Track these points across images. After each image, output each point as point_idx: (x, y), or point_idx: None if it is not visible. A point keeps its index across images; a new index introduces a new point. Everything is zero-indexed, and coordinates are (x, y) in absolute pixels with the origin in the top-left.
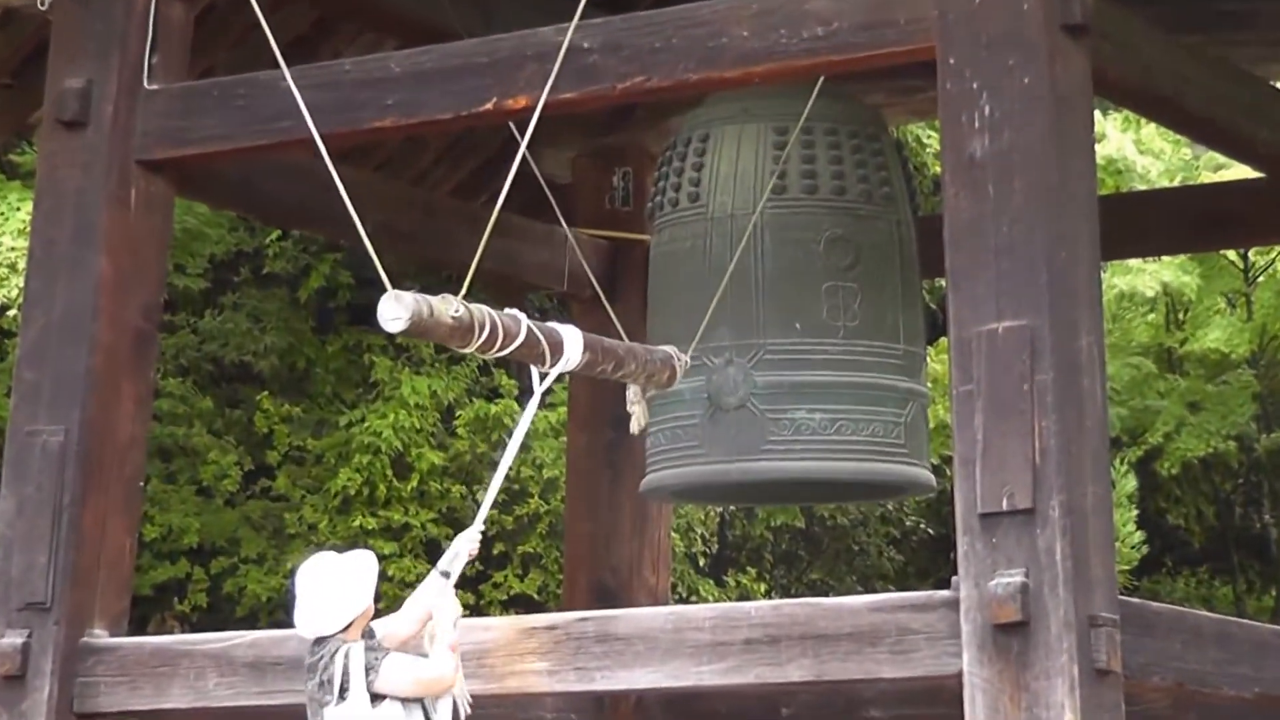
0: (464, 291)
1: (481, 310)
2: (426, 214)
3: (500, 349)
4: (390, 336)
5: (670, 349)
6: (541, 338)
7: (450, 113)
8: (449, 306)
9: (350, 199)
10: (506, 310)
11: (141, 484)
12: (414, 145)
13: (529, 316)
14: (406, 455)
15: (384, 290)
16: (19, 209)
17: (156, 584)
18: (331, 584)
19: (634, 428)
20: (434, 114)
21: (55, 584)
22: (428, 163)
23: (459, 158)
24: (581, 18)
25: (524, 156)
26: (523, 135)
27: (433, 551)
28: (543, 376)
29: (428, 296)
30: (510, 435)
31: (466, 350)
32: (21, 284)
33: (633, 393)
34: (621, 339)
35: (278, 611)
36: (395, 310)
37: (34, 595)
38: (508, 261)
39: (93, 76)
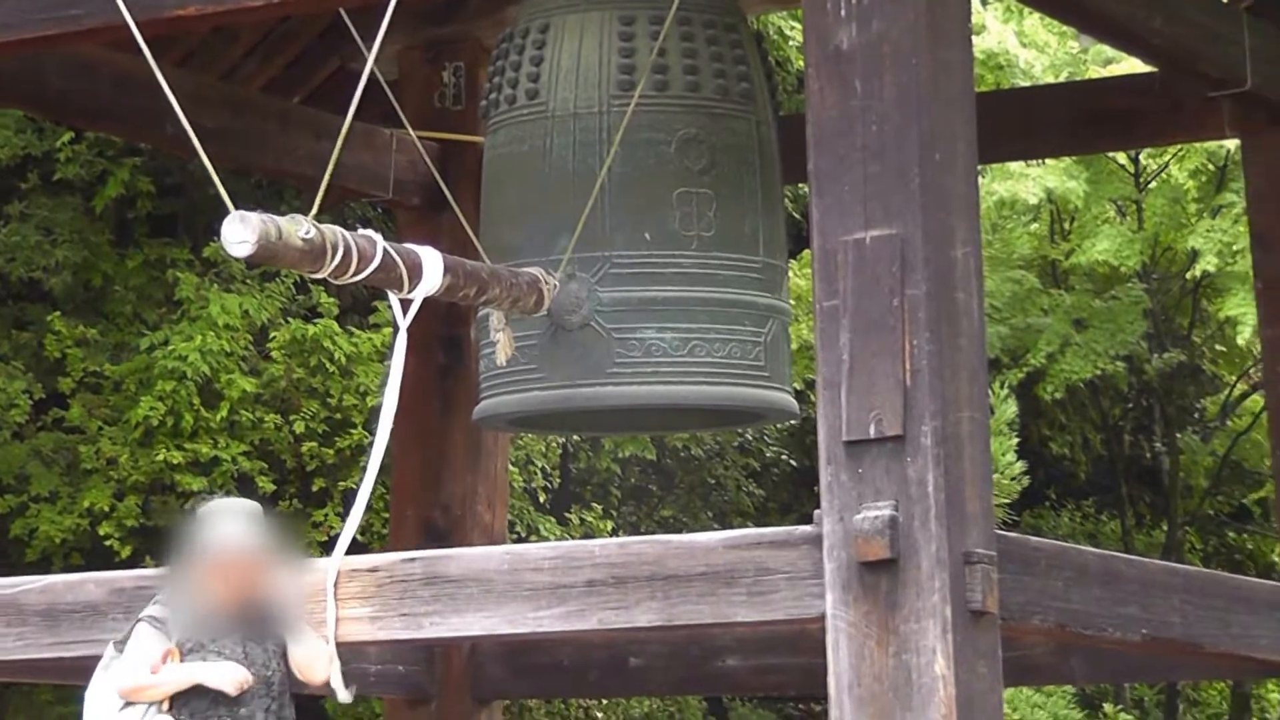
0: (314, 211)
1: (335, 231)
2: (235, 112)
3: (355, 273)
4: (196, 250)
5: (537, 270)
6: (399, 260)
7: (259, 3)
8: (299, 228)
9: (146, 97)
10: (361, 231)
11: None
12: (222, 37)
13: (349, 228)
14: (215, 382)
15: (190, 199)
16: None
17: None
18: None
19: (500, 358)
20: (243, 1)
21: None
22: (237, 57)
23: (271, 51)
24: None
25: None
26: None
27: (245, 488)
28: (404, 305)
29: (275, 217)
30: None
31: (318, 275)
32: None
33: (495, 319)
34: (468, 255)
35: (73, 555)
36: (241, 233)
37: None
38: (325, 166)
39: None
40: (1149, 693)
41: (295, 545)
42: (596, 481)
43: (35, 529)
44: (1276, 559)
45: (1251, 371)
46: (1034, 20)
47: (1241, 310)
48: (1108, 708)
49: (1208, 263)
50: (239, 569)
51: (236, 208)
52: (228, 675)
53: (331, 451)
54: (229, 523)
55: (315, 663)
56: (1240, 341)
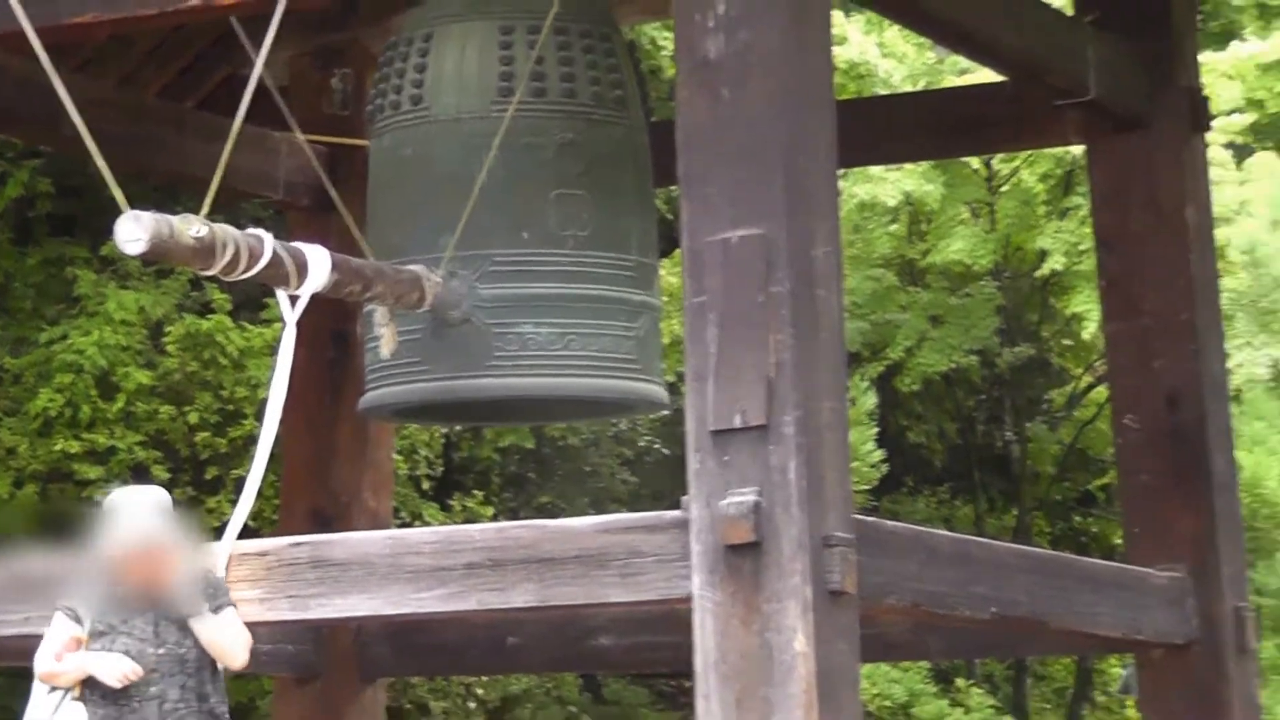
0: (205, 210)
1: (225, 230)
2: (132, 117)
3: (244, 271)
4: (94, 248)
5: (420, 268)
6: (287, 258)
7: (155, 8)
8: (190, 226)
9: (45, 101)
10: (251, 230)
11: None
12: (120, 44)
13: (241, 227)
14: (112, 374)
15: (89, 200)
16: None
17: None
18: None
19: (384, 351)
20: (138, 9)
21: None
22: (134, 63)
23: (166, 57)
24: None
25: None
26: (249, 39)
27: (140, 477)
28: (292, 300)
29: (168, 216)
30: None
31: (211, 272)
32: None
33: (380, 315)
34: (355, 254)
35: None
36: (134, 231)
37: None
38: (238, 169)
39: None
40: (999, 668)
41: (200, 530)
42: (478, 469)
43: None
44: (1118, 541)
45: (1096, 364)
46: (893, 32)
47: (1087, 307)
48: (960, 682)
49: (1055, 262)
50: (147, 554)
51: (132, 208)
52: (112, 668)
53: (224, 441)
54: (137, 511)
55: (222, 646)
56: (1085, 336)
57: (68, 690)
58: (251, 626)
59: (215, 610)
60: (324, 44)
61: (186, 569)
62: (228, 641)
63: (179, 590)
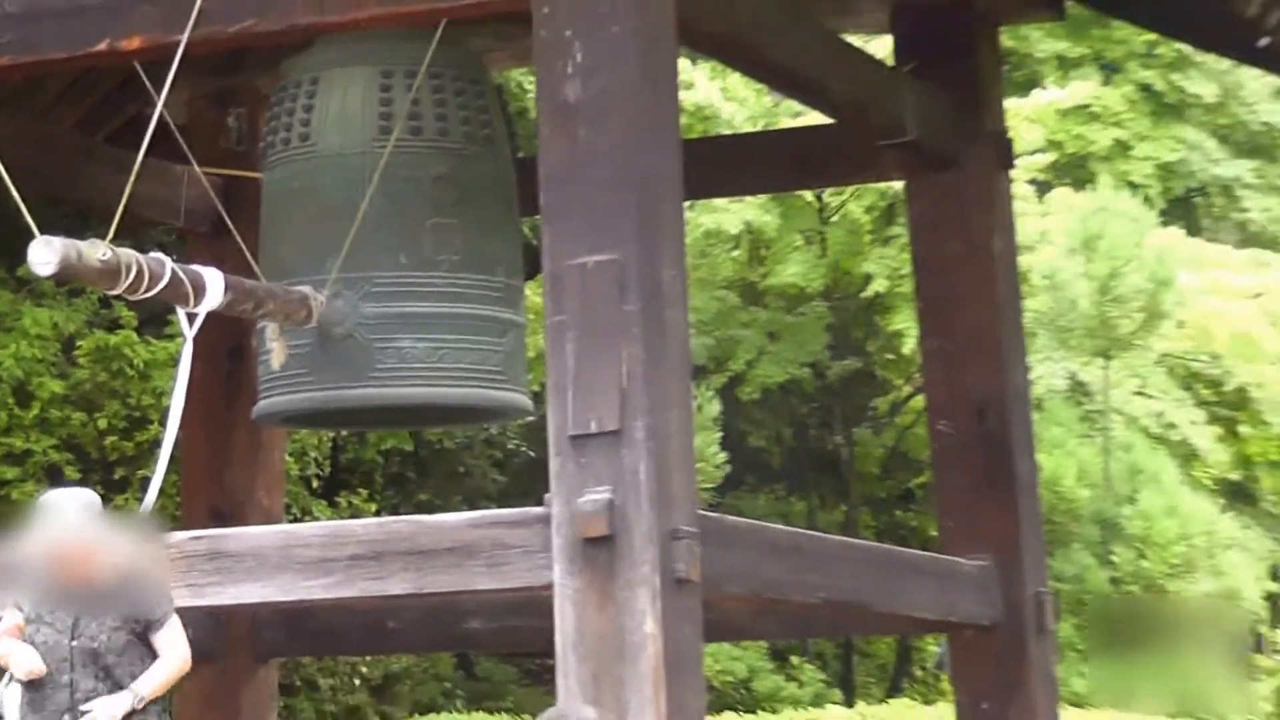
0: (110, 235)
1: (128, 254)
2: (47, 149)
3: (146, 290)
4: (10, 270)
5: (307, 288)
6: (185, 279)
7: (65, 52)
8: (96, 250)
9: None
10: (152, 254)
11: None
12: (34, 84)
13: (145, 251)
14: (28, 384)
15: (4, 226)
16: None
17: None
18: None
19: (275, 364)
20: (49, 53)
21: None
22: (48, 101)
23: (79, 95)
24: None
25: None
26: (152, 82)
27: (54, 477)
28: (190, 317)
29: (76, 241)
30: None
31: (115, 291)
32: None
33: (271, 330)
34: (249, 276)
35: None
36: (45, 255)
37: None
38: (140, 196)
39: None
40: (829, 646)
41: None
42: (362, 470)
43: None
44: (934, 534)
45: (914, 376)
46: (735, 78)
47: (906, 325)
48: (794, 659)
49: (879, 285)
50: (72, 553)
51: (43, 234)
52: (20, 662)
53: (131, 445)
54: (65, 512)
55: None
56: (905, 351)
57: (8, 672)
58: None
59: (165, 617)
60: (220, 86)
61: (141, 573)
62: (183, 647)
63: (134, 593)
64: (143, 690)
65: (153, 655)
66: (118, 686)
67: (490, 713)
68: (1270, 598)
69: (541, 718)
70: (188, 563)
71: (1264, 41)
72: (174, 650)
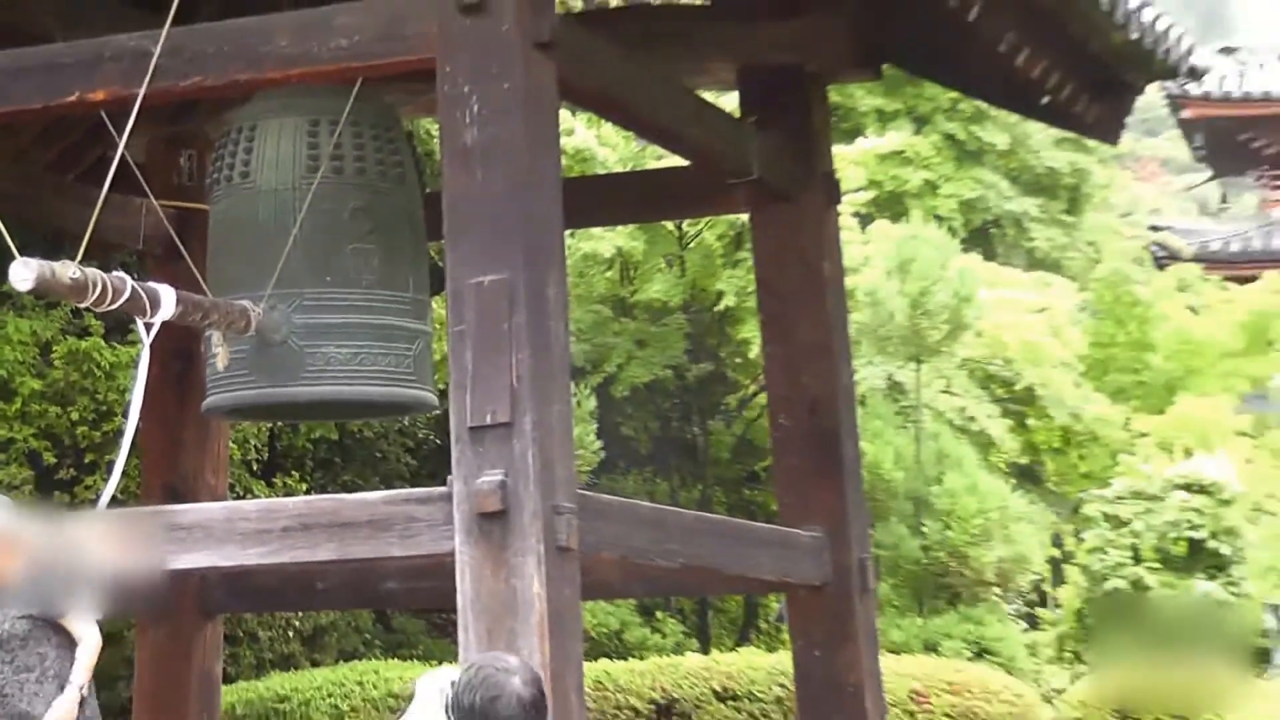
0: (79, 257)
1: (95, 273)
2: (24, 185)
3: (110, 303)
4: (11, 291)
5: (246, 303)
6: (143, 294)
7: (40, 102)
8: (68, 270)
9: None
10: (115, 273)
11: None
12: (12, 129)
13: (109, 270)
14: (11, 383)
15: (4, 254)
16: None
17: None
18: None
19: (220, 365)
20: (26, 103)
21: None
22: (26, 143)
23: (52, 139)
24: (146, 28)
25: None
26: (115, 127)
27: (34, 461)
28: (147, 326)
29: (50, 262)
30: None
31: (84, 305)
32: None
33: (216, 337)
34: (197, 292)
35: None
36: (24, 273)
37: None
38: (104, 224)
39: None
40: (688, 604)
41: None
42: (295, 455)
43: None
44: (775, 509)
45: (759, 377)
46: (608, 128)
47: (751, 334)
48: (659, 614)
49: (729, 300)
50: None
51: (22, 256)
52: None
53: (99, 434)
54: None
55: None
56: (751, 356)
57: None
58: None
59: (73, 607)
60: (173, 131)
61: (48, 565)
62: (94, 632)
63: (41, 586)
64: (79, 680)
65: (57, 639)
66: (23, 669)
67: (403, 660)
68: (1051, 561)
69: (469, 666)
70: (147, 531)
71: (1045, 100)
72: (88, 637)
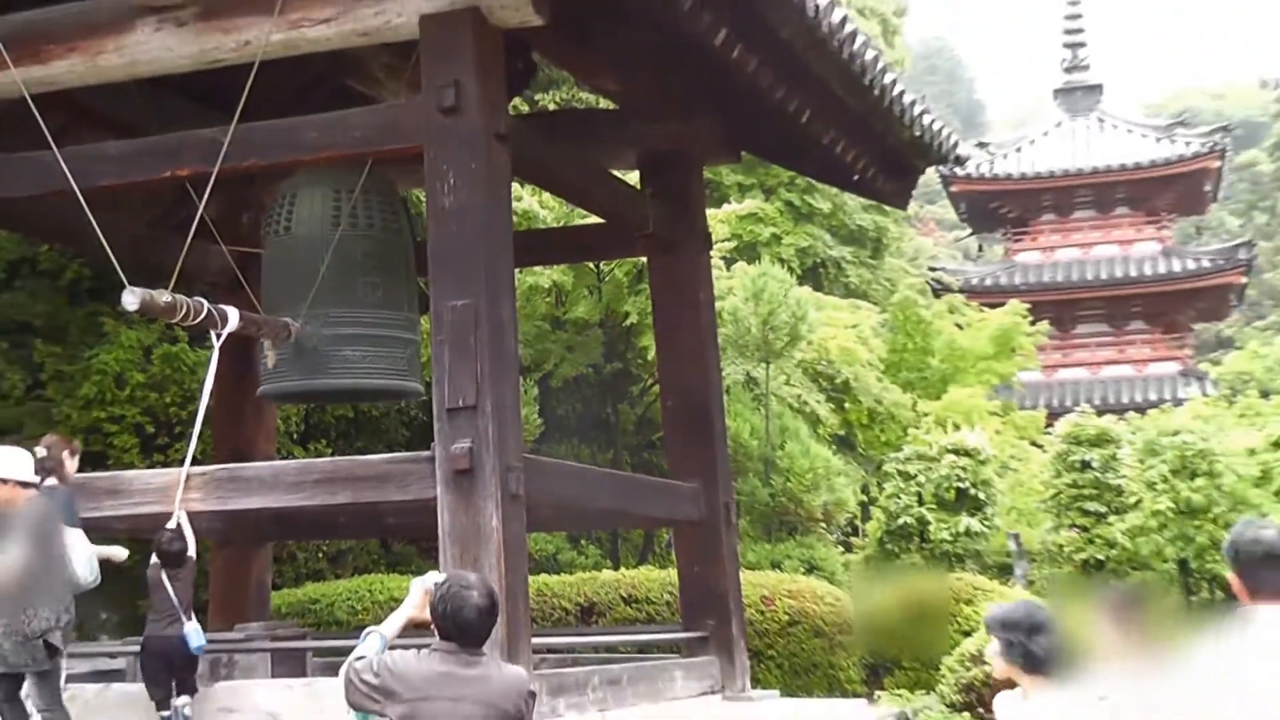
0: (170, 286)
1: (181, 298)
2: (132, 236)
3: (192, 320)
4: (112, 307)
5: (288, 319)
6: (215, 313)
7: (144, 177)
8: (163, 296)
9: (85, 226)
10: (195, 298)
11: None
12: (125, 195)
13: (191, 296)
14: (124, 375)
15: (119, 286)
16: None
17: None
18: None
19: (269, 363)
20: (135, 178)
21: None
22: (134, 205)
23: (152, 203)
24: (217, 124)
25: (201, 214)
26: (196, 194)
27: (139, 431)
28: (217, 336)
29: (150, 290)
30: (199, 381)
31: (174, 321)
32: None
33: (266, 344)
34: (254, 311)
35: None
36: (132, 299)
37: None
38: (188, 264)
39: None
40: (604, 535)
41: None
42: (322, 427)
43: None
44: (666, 468)
45: (654, 373)
46: (547, 196)
47: (648, 343)
48: (583, 542)
49: (633, 318)
50: None
51: (131, 285)
52: None
53: (184, 412)
54: None
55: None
56: (649, 358)
57: None
58: (199, 514)
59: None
60: (239, 196)
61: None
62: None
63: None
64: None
65: None
66: (19, 609)
67: (401, 574)
68: (860, 504)
69: (441, 583)
70: (216, 484)
71: (855, 177)
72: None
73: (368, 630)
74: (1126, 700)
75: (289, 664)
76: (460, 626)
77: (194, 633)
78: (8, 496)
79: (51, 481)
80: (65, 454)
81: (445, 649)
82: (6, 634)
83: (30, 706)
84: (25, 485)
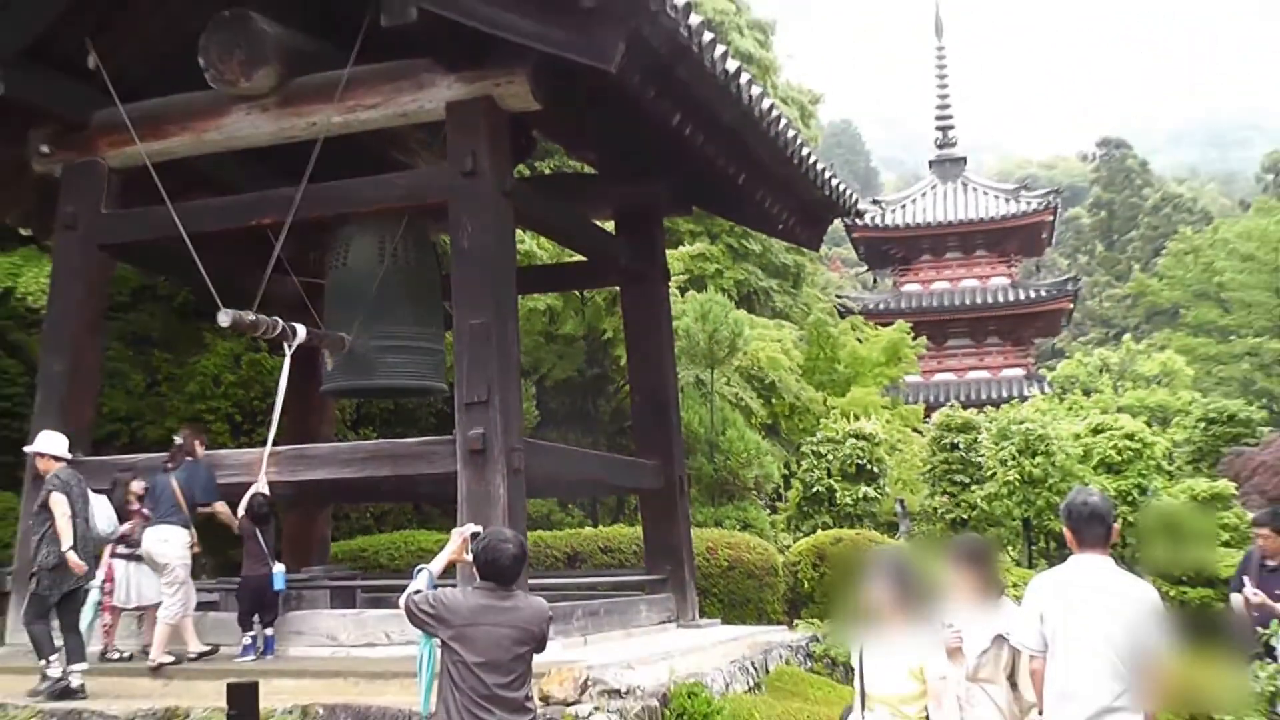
0: (254, 308)
1: (263, 317)
2: (225, 271)
3: (270, 335)
4: (211, 323)
5: (343, 334)
6: (288, 329)
7: (234, 225)
8: (248, 316)
9: (189, 265)
10: (273, 317)
11: None
12: (221, 239)
13: (270, 316)
14: (220, 376)
15: (215, 308)
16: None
17: None
18: None
19: (329, 367)
20: (226, 226)
21: None
22: (226, 247)
23: (240, 243)
24: (290, 184)
25: (278, 255)
26: (274, 238)
27: (230, 420)
28: (289, 346)
29: (240, 311)
30: (276, 381)
31: (256, 335)
32: None
33: (327, 353)
34: (317, 328)
35: None
36: (224, 318)
37: None
38: (267, 291)
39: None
40: (586, 501)
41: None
42: (370, 416)
43: None
44: (634, 449)
45: (626, 376)
46: (543, 240)
47: (621, 353)
48: (570, 506)
49: (610, 333)
50: None
51: (225, 307)
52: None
53: (264, 405)
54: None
55: None
56: (621, 364)
57: None
58: (276, 484)
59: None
60: (307, 240)
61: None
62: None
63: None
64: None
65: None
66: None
67: (429, 530)
68: (783, 476)
69: (484, 535)
70: (288, 460)
71: (780, 226)
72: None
73: (419, 568)
74: (969, 627)
75: (343, 598)
76: (498, 569)
77: (279, 574)
78: (45, 466)
79: (190, 460)
80: (196, 442)
81: (485, 587)
82: (39, 568)
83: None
84: (58, 459)
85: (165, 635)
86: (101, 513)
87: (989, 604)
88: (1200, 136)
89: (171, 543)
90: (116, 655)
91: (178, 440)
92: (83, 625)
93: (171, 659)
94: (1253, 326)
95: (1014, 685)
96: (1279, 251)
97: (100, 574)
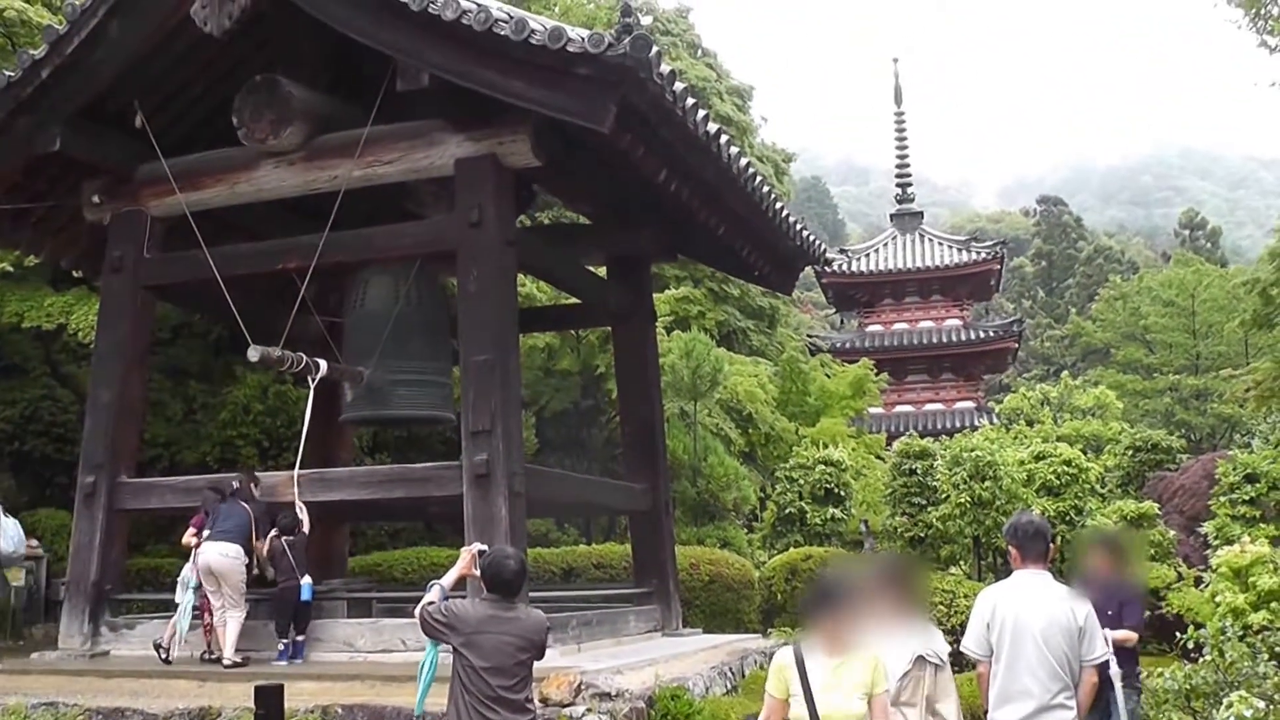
0: (281, 344)
1: (288, 353)
2: (253, 313)
3: (295, 369)
4: (243, 358)
5: (360, 368)
6: (311, 364)
7: (262, 270)
8: (275, 352)
9: (224, 305)
10: (297, 353)
11: None
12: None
13: (295, 352)
14: (249, 406)
15: (246, 344)
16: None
17: None
18: None
19: (349, 398)
20: (254, 270)
21: None
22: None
23: (266, 286)
24: (315, 233)
25: (303, 295)
26: (299, 281)
27: (259, 445)
28: (312, 379)
29: (268, 347)
30: (300, 410)
31: (283, 369)
32: None
33: (346, 385)
34: (338, 362)
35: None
36: (254, 353)
37: None
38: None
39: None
40: (580, 520)
41: None
42: (385, 443)
43: None
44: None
45: (616, 408)
46: (542, 284)
47: (612, 386)
48: (566, 524)
49: (602, 369)
50: None
51: (254, 344)
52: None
53: (290, 432)
54: None
55: None
56: (613, 397)
57: None
58: (304, 502)
59: None
60: (329, 283)
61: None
62: None
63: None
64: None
65: None
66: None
67: (439, 547)
68: (759, 499)
69: (490, 551)
70: (312, 483)
71: (756, 273)
72: None
73: (431, 582)
74: (889, 649)
75: (360, 608)
76: (502, 583)
77: (307, 586)
78: None
79: (242, 500)
80: (250, 484)
81: (491, 599)
82: None
83: None
84: None
85: (234, 636)
86: (6, 534)
87: (910, 625)
88: (1127, 196)
89: (230, 557)
90: (211, 656)
91: (233, 484)
92: (183, 625)
93: (242, 658)
94: (1173, 365)
95: (933, 712)
96: (1195, 298)
97: (191, 579)
